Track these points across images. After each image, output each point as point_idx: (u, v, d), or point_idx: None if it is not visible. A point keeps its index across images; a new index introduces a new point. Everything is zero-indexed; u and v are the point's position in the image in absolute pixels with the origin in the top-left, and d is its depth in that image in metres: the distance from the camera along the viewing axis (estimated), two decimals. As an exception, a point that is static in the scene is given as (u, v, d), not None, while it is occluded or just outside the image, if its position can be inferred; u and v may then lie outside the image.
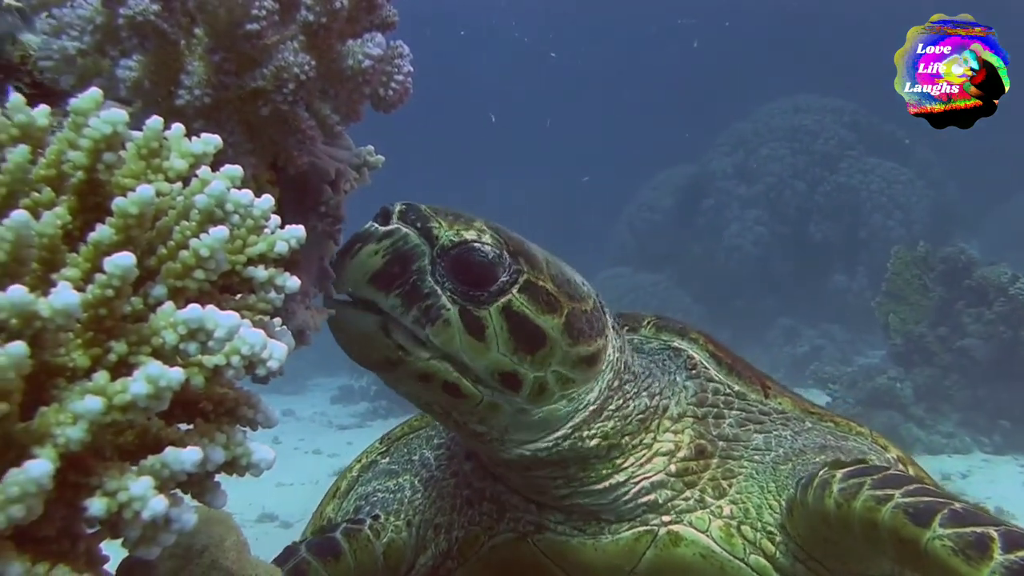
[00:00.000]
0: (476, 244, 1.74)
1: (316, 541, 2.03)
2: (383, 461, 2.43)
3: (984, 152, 19.49)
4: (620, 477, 1.95)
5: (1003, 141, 18.29)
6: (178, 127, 1.10)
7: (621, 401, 1.95)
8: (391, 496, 2.24)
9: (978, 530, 1.53)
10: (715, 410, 2.09)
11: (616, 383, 1.93)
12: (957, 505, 1.61)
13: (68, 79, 1.51)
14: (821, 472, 1.86)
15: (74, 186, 1.01)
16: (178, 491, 0.93)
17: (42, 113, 1.07)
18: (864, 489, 1.73)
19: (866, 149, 17.95)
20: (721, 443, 2.05)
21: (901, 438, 9.20)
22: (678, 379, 2.11)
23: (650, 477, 1.97)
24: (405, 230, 1.72)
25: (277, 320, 1.19)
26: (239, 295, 1.17)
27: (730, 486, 2.01)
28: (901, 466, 2.16)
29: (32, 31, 1.68)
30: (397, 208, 1.76)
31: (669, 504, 1.98)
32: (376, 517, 2.15)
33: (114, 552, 1.01)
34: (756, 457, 2.05)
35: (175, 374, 0.86)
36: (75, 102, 1.02)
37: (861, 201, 16.91)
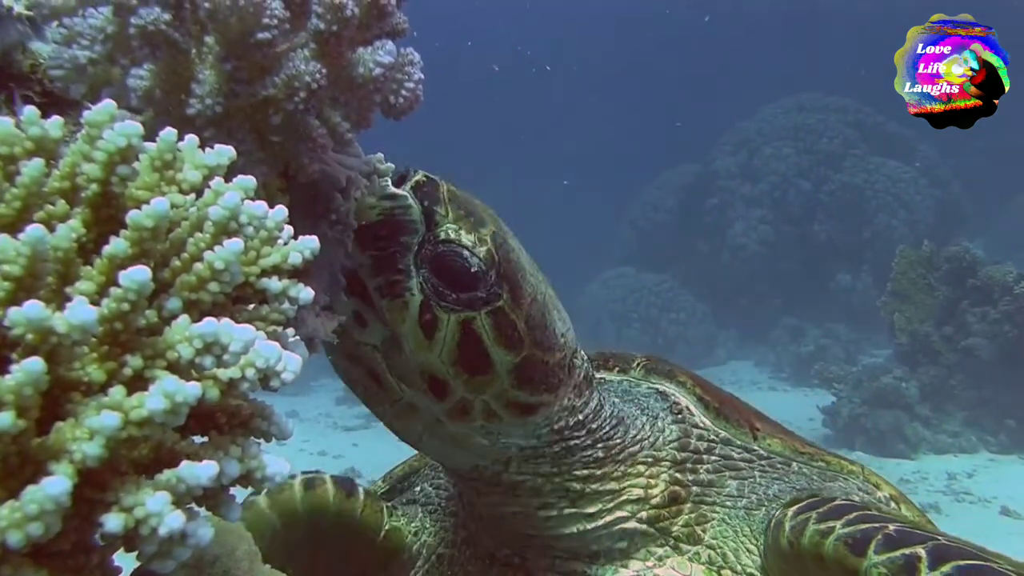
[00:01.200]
0: (466, 251, 1.68)
1: (339, 476, 2.14)
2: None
3: (989, 151, 19.46)
4: (587, 524, 1.94)
5: (1008, 140, 18.26)
6: (192, 138, 1.10)
7: (560, 449, 1.89)
8: (403, 511, 2.30)
9: (907, 551, 1.55)
10: (695, 456, 2.07)
11: (555, 438, 1.87)
12: (892, 528, 1.62)
13: (79, 88, 1.50)
14: (777, 512, 1.89)
15: (88, 199, 1.01)
16: (193, 505, 0.92)
17: (55, 125, 1.07)
18: (809, 524, 1.74)
19: (870, 148, 17.93)
20: (695, 488, 2.05)
21: (907, 438, 9.20)
22: (662, 424, 2.10)
23: (620, 524, 1.96)
24: (411, 202, 1.68)
25: (290, 331, 1.18)
26: (252, 306, 1.17)
27: (704, 532, 2.01)
28: (894, 504, 2.16)
29: (43, 40, 1.68)
30: (414, 178, 1.72)
31: (646, 550, 1.99)
32: (394, 507, 2.23)
33: (126, 561, 1.01)
34: (728, 503, 2.05)
35: (192, 389, 0.86)
36: (89, 114, 1.02)
37: (865, 200, 16.89)
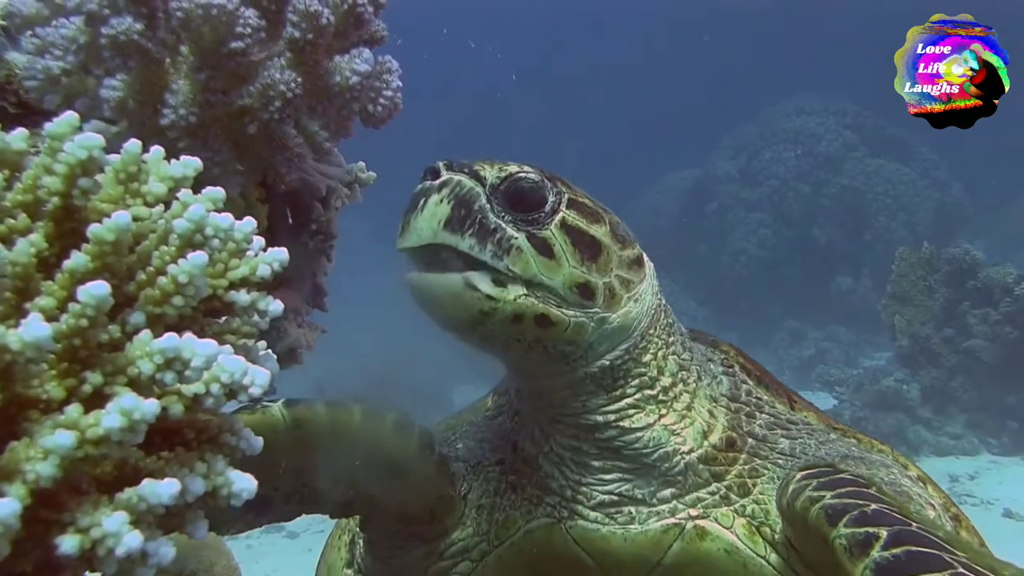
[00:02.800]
0: (521, 175, 1.85)
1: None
2: None
3: (989, 152, 19.42)
4: (660, 432, 2.01)
5: (1007, 141, 18.23)
6: (157, 150, 1.08)
7: (668, 323, 2.07)
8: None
9: (871, 530, 1.60)
10: (747, 408, 2.16)
11: (660, 300, 2.06)
12: (872, 507, 1.67)
13: (53, 99, 1.49)
14: (791, 473, 1.95)
15: (50, 212, 0.99)
16: (155, 524, 0.90)
17: (18, 137, 1.06)
18: (806, 490, 1.81)
19: (869, 151, 17.90)
20: (751, 440, 2.11)
21: (908, 440, 9.16)
22: (715, 370, 2.20)
23: (684, 449, 2.02)
24: (458, 177, 1.81)
25: (262, 344, 1.16)
26: (224, 318, 1.16)
27: (754, 486, 2.07)
28: (921, 485, 2.22)
29: (19, 50, 1.67)
30: (442, 163, 1.84)
31: (696, 495, 2.04)
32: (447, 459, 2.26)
33: None
34: (780, 461, 2.11)
35: (150, 406, 0.84)
36: (50, 127, 1.00)
37: (865, 203, 16.87)
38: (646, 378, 2.01)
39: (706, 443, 2.05)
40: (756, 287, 17.00)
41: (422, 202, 1.77)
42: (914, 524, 1.62)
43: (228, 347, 1.02)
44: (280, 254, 1.11)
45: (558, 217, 1.86)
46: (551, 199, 1.88)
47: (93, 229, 0.94)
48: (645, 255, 2.06)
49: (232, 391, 0.97)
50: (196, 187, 1.13)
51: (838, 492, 1.76)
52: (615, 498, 2.05)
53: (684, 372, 2.08)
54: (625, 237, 1.99)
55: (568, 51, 35.06)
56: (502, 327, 1.82)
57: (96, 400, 0.89)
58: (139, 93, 1.39)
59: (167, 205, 1.11)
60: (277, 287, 1.79)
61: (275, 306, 1.11)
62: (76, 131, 1.00)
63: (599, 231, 1.92)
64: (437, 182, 1.79)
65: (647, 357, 2.02)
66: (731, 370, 2.24)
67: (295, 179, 1.57)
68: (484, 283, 1.78)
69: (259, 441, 1.08)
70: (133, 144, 1.05)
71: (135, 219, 1.05)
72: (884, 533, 1.58)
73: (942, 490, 2.29)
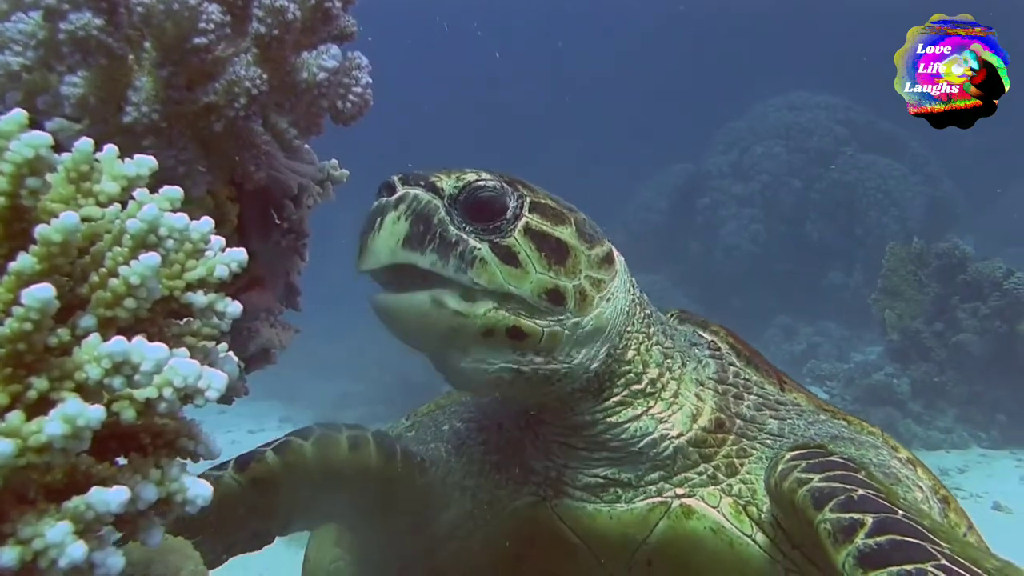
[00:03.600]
0: (479, 182, 1.82)
1: (380, 435, 2.19)
2: (410, 434, 2.48)
3: (979, 148, 19.46)
4: (647, 422, 2.00)
5: (998, 137, 18.25)
6: (111, 148, 1.06)
7: (645, 315, 2.05)
8: (426, 452, 2.31)
9: (856, 516, 1.59)
10: (735, 390, 2.16)
11: (635, 294, 2.05)
12: (859, 492, 1.66)
13: (14, 96, 1.46)
14: (780, 452, 1.95)
15: (-2, 213, 0.96)
16: (103, 533, 0.88)
17: (-31, 137, 1.03)
18: (794, 471, 1.81)
19: (861, 146, 17.91)
20: (739, 421, 2.11)
21: (899, 434, 9.15)
22: (701, 356, 2.19)
23: (673, 434, 2.01)
24: (414, 191, 1.77)
25: (222, 346, 1.14)
26: (185, 320, 1.13)
27: (742, 466, 2.06)
28: (910, 467, 2.22)
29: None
30: (396, 178, 1.81)
31: (684, 475, 2.03)
32: (423, 460, 2.25)
33: None
34: (768, 441, 2.11)
35: (94, 412, 0.81)
36: (-3, 125, 0.98)
37: (857, 198, 16.87)
38: (631, 375, 2.00)
39: (695, 426, 2.04)
40: (748, 282, 16.99)
41: (379, 221, 1.72)
42: (900, 512, 1.61)
43: (183, 350, 1.00)
44: (239, 255, 1.08)
45: (521, 223, 1.83)
46: (512, 205, 1.84)
47: (40, 230, 0.91)
48: (615, 250, 2.03)
49: (186, 395, 0.95)
50: (159, 186, 1.11)
51: (826, 475, 1.75)
52: (601, 480, 2.04)
53: (669, 360, 2.07)
54: (592, 235, 1.95)
55: (561, 48, 35.01)
56: (474, 345, 1.78)
57: (42, 406, 0.86)
58: (101, 90, 1.36)
59: (124, 205, 1.09)
60: (249, 287, 1.77)
61: (233, 307, 1.08)
62: (24, 129, 0.98)
63: (565, 232, 1.88)
64: (393, 198, 1.74)
65: (630, 354, 2.00)
66: (718, 352, 2.23)
67: (264, 177, 1.54)
68: (451, 299, 1.74)
69: (217, 446, 1.06)
70: (84, 143, 1.02)
71: (88, 220, 1.03)
72: (869, 520, 1.57)
73: (931, 472, 2.29)
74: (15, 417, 0.81)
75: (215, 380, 0.97)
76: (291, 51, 1.45)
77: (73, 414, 0.80)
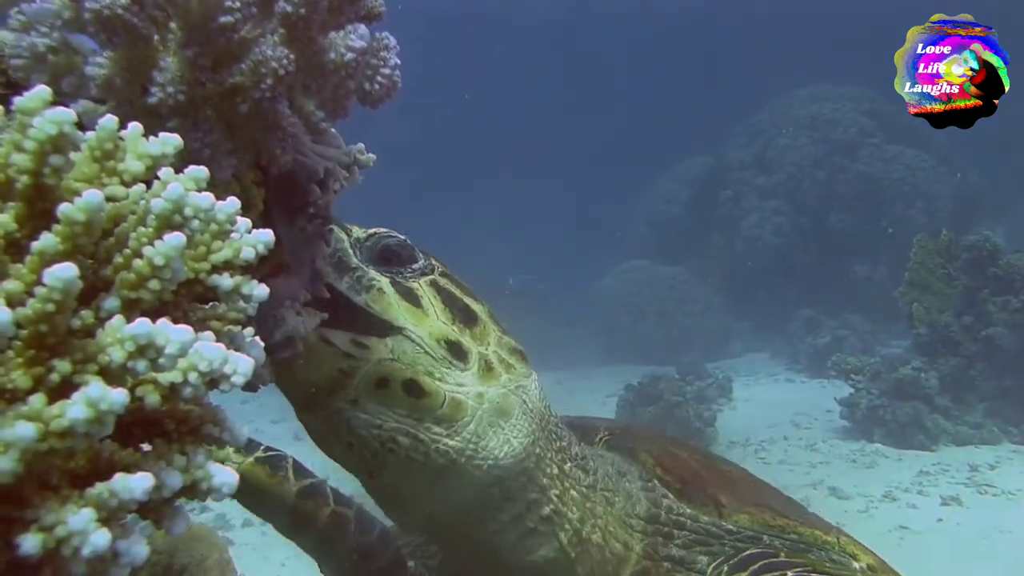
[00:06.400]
0: (389, 235, 1.80)
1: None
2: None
3: (1008, 138, 19.12)
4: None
5: (1028, 126, 17.93)
6: (135, 126, 1.03)
7: (561, 445, 1.92)
8: None
9: None
10: (665, 529, 2.06)
11: (551, 415, 1.93)
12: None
13: (40, 78, 1.44)
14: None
15: (21, 192, 0.94)
16: (127, 521, 0.85)
17: (-9, 114, 1.01)
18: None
19: (887, 137, 17.67)
20: (666, 564, 2.03)
21: (927, 430, 9.04)
22: (631, 488, 2.10)
23: None
24: None
25: (248, 331, 1.11)
26: (210, 304, 1.10)
27: None
28: (871, 574, 2.14)
29: (7, 28, 1.62)
30: None
31: None
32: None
33: None
34: None
35: (118, 396, 0.79)
36: (21, 101, 0.95)
37: (882, 190, 16.66)
38: (550, 510, 1.86)
39: None
40: (771, 275, 16.85)
41: None
42: None
43: (208, 333, 0.97)
44: (265, 236, 1.05)
45: (428, 277, 1.79)
46: (422, 262, 1.80)
47: (63, 209, 0.88)
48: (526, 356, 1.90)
49: (212, 380, 0.92)
50: (184, 169, 1.08)
51: (752, 569, 1.80)
52: None
53: (591, 501, 1.94)
54: (507, 329, 1.87)
55: (580, 38, 34.82)
56: (366, 396, 1.65)
57: (65, 390, 0.84)
58: (126, 71, 1.33)
59: (149, 186, 1.06)
60: (275, 273, 1.74)
61: (260, 290, 1.05)
62: (47, 105, 0.95)
63: (476, 305, 1.83)
64: None
65: (545, 480, 1.86)
66: (650, 485, 2.11)
67: (290, 161, 1.51)
68: (341, 339, 1.65)
69: (244, 433, 1.03)
70: (109, 120, 0.99)
71: (112, 199, 1.00)
72: None
73: (896, 572, 2.21)
74: (37, 401, 0.79)
75: (241, 364, 0.95)
76: (318, 31, 1.42)
77: (96, 398, 0.78)
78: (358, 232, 1.80)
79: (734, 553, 1.92)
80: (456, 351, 1.73)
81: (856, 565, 2.13)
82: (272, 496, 2.09)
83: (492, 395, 1.76)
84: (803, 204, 17.37)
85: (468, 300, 1.82)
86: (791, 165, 17.72)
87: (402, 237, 1.81)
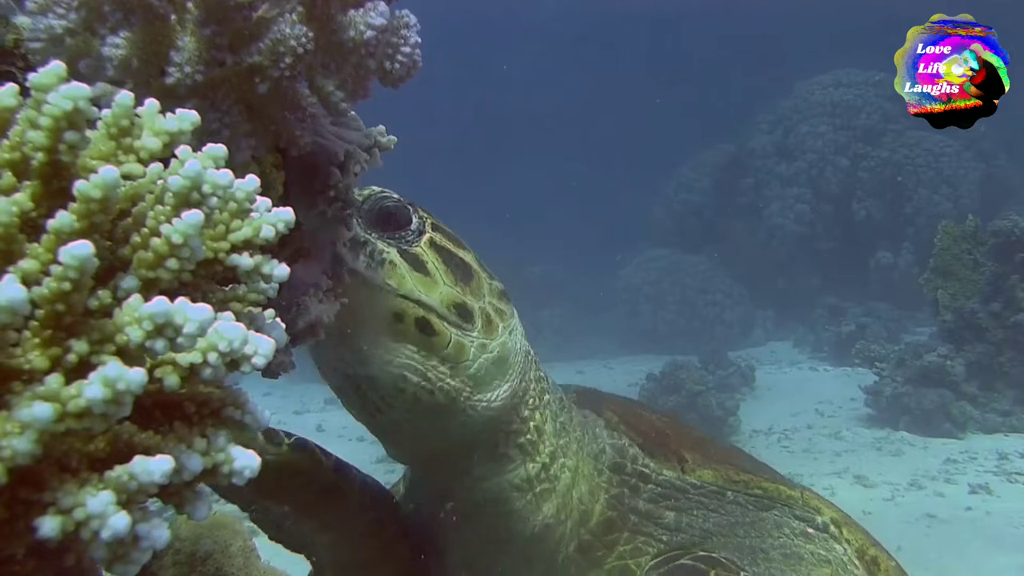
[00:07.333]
0: (383, 194, 1.85)
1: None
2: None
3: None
4: (542, 526, 1.94)
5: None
6: (152, 102, 1.01)
7: (539, 375, 2.01)
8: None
9: None
10: (631, 480, 2.08)
11: (528, 348, 2.01)
12: None
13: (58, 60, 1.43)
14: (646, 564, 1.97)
15: (36, 170, 0.92)
16: (147, 505, 0.83)
17: (7, 93, 0.99)
18: None
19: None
20: (632, 517, 2.04)
21: (953, 417, 8.93)
22: (600, 442, 2.12)
23: (564, 540, 1.96)
24: None
25: (269, 312, 1.09)
26: (230, 285, 1.08)
27: (637, 567, 2.00)
28: (834, 528, 2.16)
29: (26, 13, 1.60)
30: None
31: None
32: None
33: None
34: (664, 537, 2.04)
35: (135, 376, 0.76)
36: (35, 77, 0.93)
37: (906, 176, 16.44)
38: (526, 439, 1.94)
39: (582, 531, 1.98)
40: (793, 263, 16.71)
41: None
42: None
43: (228, 314, 0.95)
44: (286, 214, 1.03)
45: (426, 237, 1.85)
46: (416, 220, 1.86)
47: (79, 186, 0.86)
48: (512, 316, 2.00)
49: (232, 361, 0.90)
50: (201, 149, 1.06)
51: None
52: None
53: (563, 440, 2.00)
54: (489, 269, 1.96)
55: (602, 24, 34.61)
56: (382, 326, 1.76)
57: (82, 370, 0.82)
58: (143, 51, 1.31)
59: (166, 164, 1.04)
60: (295, 259, 1.72)
61: (280, 270, 1.03)
62: (62, 81, 0.93)
63: (467, 256, 1.91)
64: None
65: (526, 412, 1.95)
66: (615, 433, 2.15)
67: (310, 142, 1.49)
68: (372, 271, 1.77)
69: (266, 416, 1.01)
70: (124, 96, 0.97)
71: (129, 177, 0.98)
72: None
73: (860, 531, 2.22)
74: (54, 381, 0.77)
75: (262, 345, 0.92)
76: (338, 8, 1.39)
77: (113, 377, 0.76)
78: (372, 190, 1.85)
79: (665, 560, 1.93)
80: (463, 312, 1.84)
81: (819, 520, 2.16)
82: (309, 476, 2.09)
83: (492, 346, 1.88)
84: (826, 191, 17.18)
85: (460, 253, 1.90)
86: (813, 152, 17.52)
87: (396, 196, 1.86)
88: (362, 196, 1.84)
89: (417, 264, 1.81)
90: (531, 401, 1.96)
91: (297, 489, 1.98)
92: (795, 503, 2.17)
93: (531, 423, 1.95)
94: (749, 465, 2.29)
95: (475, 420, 1.86)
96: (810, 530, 2.13)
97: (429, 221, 1.91)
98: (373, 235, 1.80)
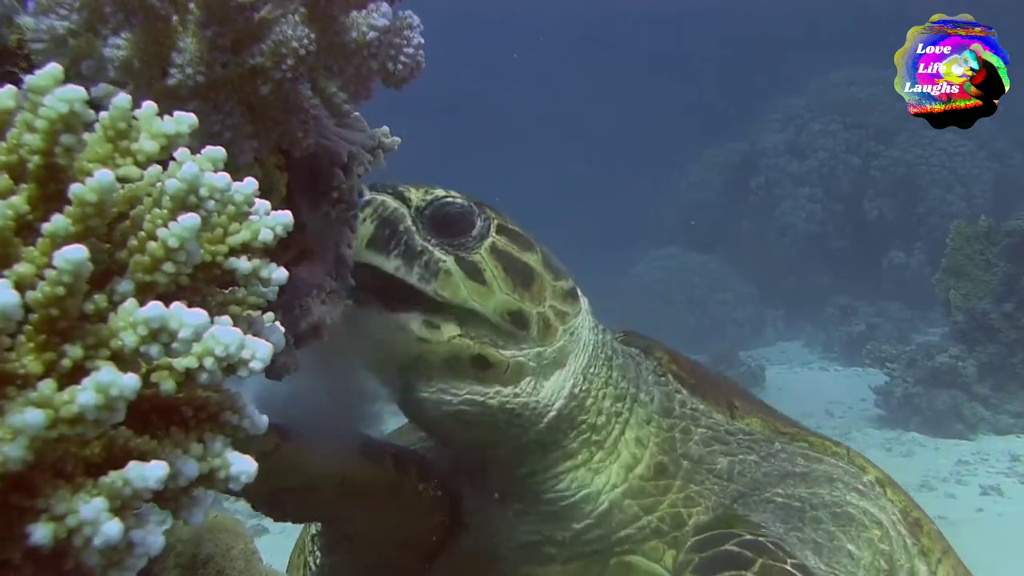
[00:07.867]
0: (448, 199, 1.82)
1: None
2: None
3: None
4: (583, 475, 1.92)
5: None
6: (149, 105, 1.00)
7: (606, 356, 1.98)
8: None
9: None
10: (682, 423, 2.04)
11: (599, 336, 1.99)
12: None
13: (60, 61, 1.42)
14: (689, 536, 1.90)
15: (33, 173, 0.91)
16: (142, 511, 0.83)
17: (5, 95, 0.99)
18: (686, 571, 1.77)
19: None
20: (685, 463, 2.00)
21: (965, 418, 8.88)
22: (647, 380, 2.09)
23: (607, 488, 1.93)
24: (381, 197, 1.78)
25: (268, 315, 1.08)
26: (229, 289, 1.08)
27: (689, 516, 1.95)
28: (879, 488, 2.12)
29: (29, 13, 1.60)
30: (364, 185, 1.82)
31: (624, 533, 1.93)
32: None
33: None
34: (716, 488, 1.99)
35: (128, 381, 0.76)
36: (32, 79, 0.93)
37: (919, 175, 16.33)
38: (585, 425, 1.93)
39: (631, 475, 1.94)
40: (804, 262, 16.65)
41: None
42: None
43: (226, 318, 0.94)
44: (284, 217, 1.02)
45: (487, 242, 1.82)
46: (479, 224, 1.83)
47: (75, 189, 0.86)
48: (579, 289, 1.98)
49: (229, 365, 0.89)
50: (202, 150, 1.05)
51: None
52: (534, 539, 1.97)
53: (619, 404, 1.98)
54: (558, 269, 1.92)
55: (612, 22, 34.53)
56: (437, 374, 1.74)
57: (76, 375, 0.81)
58: (145, 52, 1.31)
59: (165, 167, 1.03)
60: (298, 260, 1.72)
61: (279, 273, 1.02)
62: (59, 83, 0.92)
63: (531, 259, 1.86)
64: (365, 198, 1.73)
65: (589, 401, 1.93)
66: (664, 379, 2.12)
67: (313, 144, 1.48)
68: (415, 324, 1.72)
69: (263, 420, 1.00)
70: (122, 98, 0.97)
71: (126, 180, 0.98)
72: None
73: (902, 492, 2.17)
74: (46, 386, 0.76)
75: (259, 349, 0.92)
76: (340, 9, 1.38)
77: (107, 383, 0.75)
78: (416, 197, 1.80)
79: (710, 536, 1.85)
80: (518, 320, 1.80)
81: (865, 478, 2.12)
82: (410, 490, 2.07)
83: (549, 352, 1.85)
84: (837, 191, 17.10)
85: (524, 256, 1.85)
86: (824, 151, 17.44)
87: (460, 201, 1.82)
88: (424, 201, 1.80)
89: (474, 272, 1.78)
90: (595, 388, 1.94)
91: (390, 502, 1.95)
92: (841, 458, 2.15)
93: (594, 407, 1.94)
94: (791, 420, 2.27)
95: (537, 423, 1.86)
96: (860, 486, 2.09)
97: (495, 223, 1.87)
98: (432, 242, 1.78)
